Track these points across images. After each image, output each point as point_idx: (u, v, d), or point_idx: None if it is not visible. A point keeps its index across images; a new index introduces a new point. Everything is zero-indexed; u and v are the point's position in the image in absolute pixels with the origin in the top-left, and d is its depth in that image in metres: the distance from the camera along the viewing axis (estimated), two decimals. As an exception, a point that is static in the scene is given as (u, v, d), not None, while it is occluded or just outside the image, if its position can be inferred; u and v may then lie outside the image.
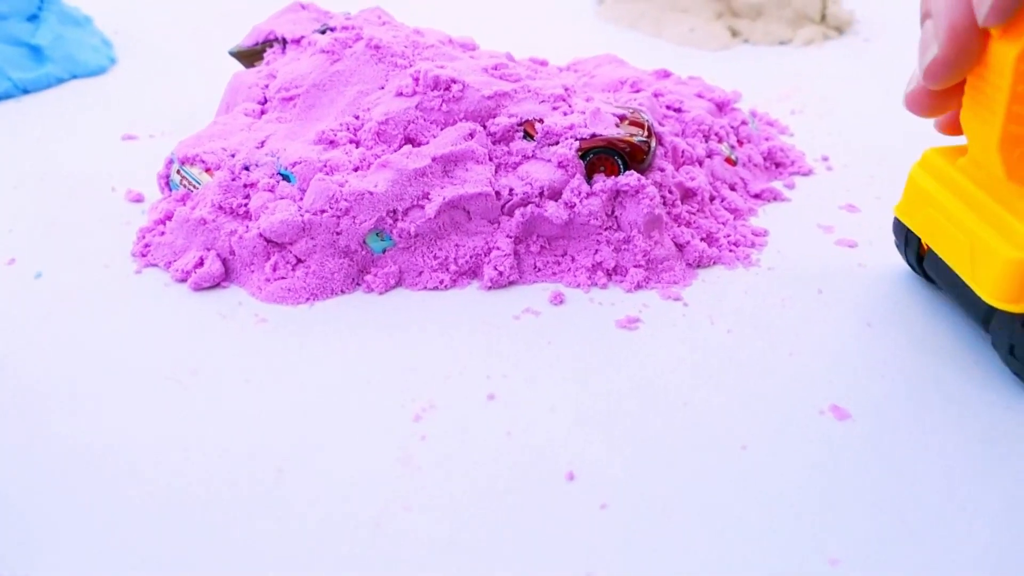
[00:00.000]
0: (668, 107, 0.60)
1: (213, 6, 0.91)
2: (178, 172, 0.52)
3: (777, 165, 0.63)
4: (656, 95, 0.61)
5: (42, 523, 0.35)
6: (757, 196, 0.59)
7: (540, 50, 0.77)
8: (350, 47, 0.55)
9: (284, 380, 0.42)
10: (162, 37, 0.82)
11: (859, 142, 0.67)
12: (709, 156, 0.58)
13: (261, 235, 0.47)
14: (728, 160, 0.59)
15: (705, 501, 0.37)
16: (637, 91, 0.61)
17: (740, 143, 0.62)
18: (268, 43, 0.60)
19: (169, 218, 0.50)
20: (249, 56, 0.61)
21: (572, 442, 0.39)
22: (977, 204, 0.42)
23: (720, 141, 0.59)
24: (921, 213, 0.46)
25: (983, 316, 0.44)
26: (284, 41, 0.59)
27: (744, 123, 0.63)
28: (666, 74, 0.66)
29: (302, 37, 0.58)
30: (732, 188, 0.59)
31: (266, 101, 0.55)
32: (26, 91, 0.69)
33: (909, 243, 0.49)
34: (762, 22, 0.88)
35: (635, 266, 0.50)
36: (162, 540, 0.34)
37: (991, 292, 0.41)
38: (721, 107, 0.63)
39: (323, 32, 0.58)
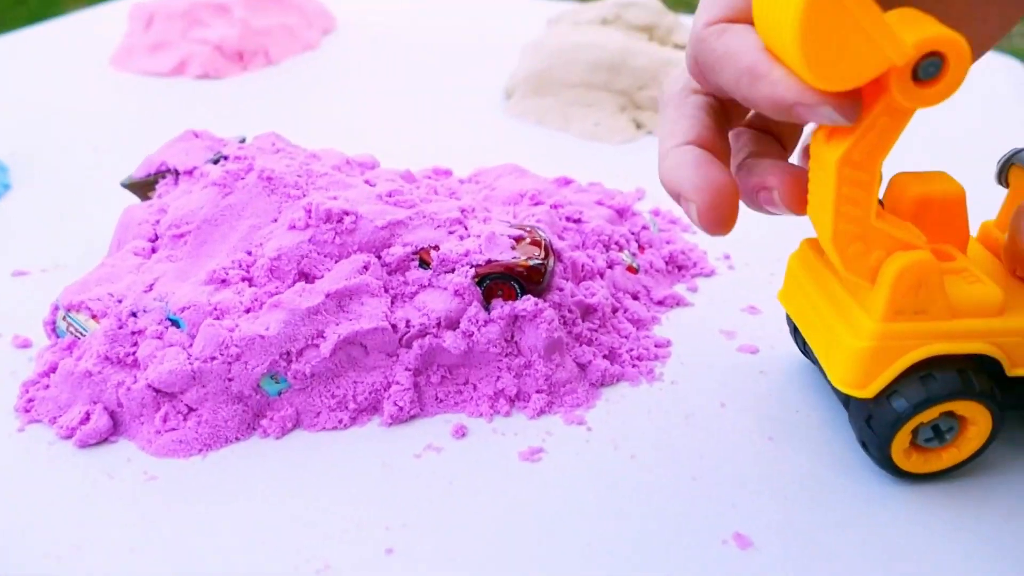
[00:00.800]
0: (568, 219, 0.60)
1: (113, 120, 0.89)
2: (64, 319, 0.50)
3: (679, 268, 0.63)
4: (555, 207, 0.61)
5: None
6: (660, 303, 0.59)
7: (447, 151, 0.77)
8: (242, 179, 0.54)
9: (172, 547, 0.40)
10: (61, 159, 0.80)
11: (759, 237, 0.67)
12: (610, 267, 0.58)
13: (150, 385, 0.46)
14: (630, 268, 0.59)
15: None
16: (537, 204, 0.61)
17: (641, 249, 0.62)
18: (160, 174, 0.59)
19: (54, 370, 0.49)
20: (142, 187, 0.60)
21: (472, 598, 0.38)
22: (832, 293, 0.44)
23: (620, 250, 0.60)
24: (796, 300, 0.47)
25: (843, 399, 0.46)
26: (176, 172, 0.58)
27: (645, 227, 0.64)
28: (567, 182, 0.66)
29: (194, 168, 0.57)
30: (635, 297, 0.59)
31: (157, 238, 0.54)
32: (-88, 225, 0.67)
33: (796, 329, 0.49)
34: (664, 114, 0.89)
35: (537, 391, 0.50)
36: None
37: (838, 378, 0.42)
38: (622, 213, 0.64)
39: (216, 161, 0.57)
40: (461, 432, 0.47)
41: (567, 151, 0.83)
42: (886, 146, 0.35)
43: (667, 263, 0.63)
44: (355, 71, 1.04)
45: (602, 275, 0.58)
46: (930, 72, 0.32)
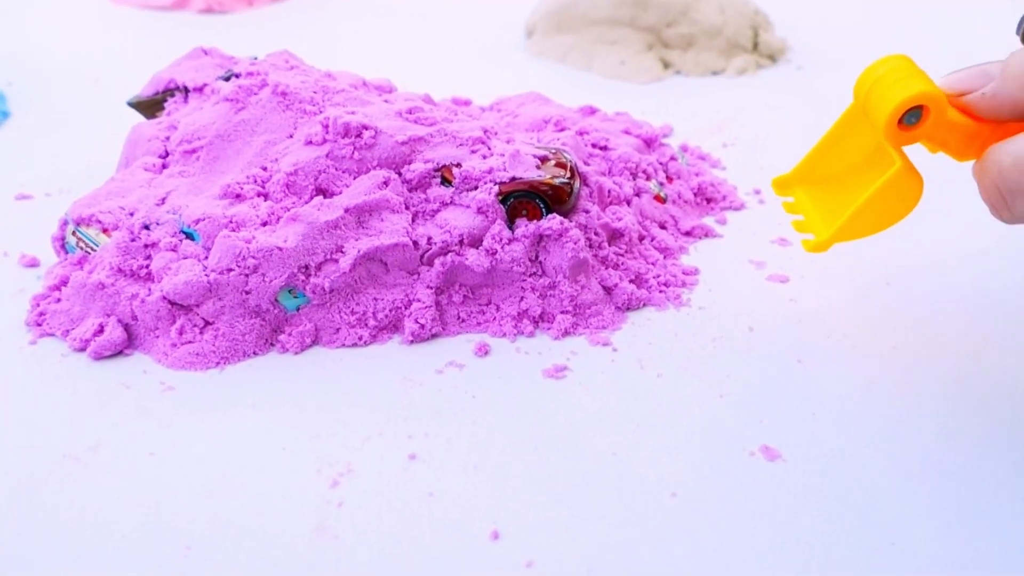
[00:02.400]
0: (594, 145, 0.61)
1: (113, 54, 0.91)
2: (74, 234, 0.52)
3: (708, 201, 0.65)
4: (581, 133, 0.62)
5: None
6: (688, 234, 0.61)
7: (465, 89, 0.78)
8: (255, 94, 0.56)
9: (192, 452, 0.43)
10: (59, 88, 0.83)
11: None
12: (637, 194, 0.59)
13: (165, 298, 0.48)
14: (657, 198, 0.61)
15: (634, 552, 0.38)
16: (561, 130, 0.63)
17: (669, 179, 0.64)
18: (169, 92, 0.61)
19: (65, 283, 0.51)
20: (149, 106, 0.61)
21: (496, 500, 0.40)
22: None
23: (648, 178, 0.61)
24: None
25: None
26: (186, 90, 0.60)
27: (673, 159, 0.65)
28: (592, 111, 0.68)
29: (204, 85, 0.59)
30: (662, 226, 0.61)
31: (167, 154, 0.56)
32: (-91, 150, 0.69)
33: None
34: (693, 52, 0.91)
35: (562, 312, 0.51)
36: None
37: None
38: (649, 143, 0.66)
39: (227, 79, 0.59)
40: (484, 350, 0.49)
41: (591, 90, 0.84)
42: None
43: (696, 195, 0.65)
44: (366, 9, 1.06)
45: (629, 203, 0.59)
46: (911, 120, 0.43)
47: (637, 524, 0.39)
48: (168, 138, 0.57)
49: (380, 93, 0.62)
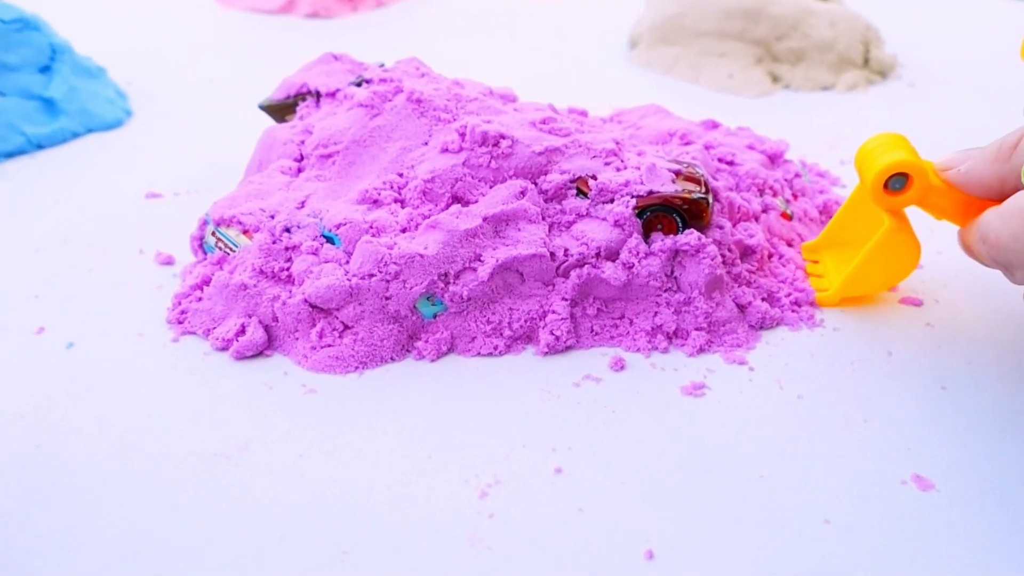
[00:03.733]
0: (720, 160, 0.61)
1: (224, 56, 0.93)
2: (213, 234, 0.53)
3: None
4: (707, 147, 0.62)
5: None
6: (814, 252, 0.60)
7: (574, 100, 0.78)
8: (390, 100, 0.56)
9: (341, 455, 0.43)
10: (177, 89, 0.84)
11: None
12: (764, 211, 0.59)
13: (306, 301, 0.48)
14: (784, 215, 0.60)
15: (795, 581, 0.37)
16: (687, 144, 0.63)
17: (795, 196, 0.63)
18: (300, 96, 0.61)
19: (206, 283, 0.52)
20: (280, 110, 0.62)
21: (648, 518, 0.40)
22: None
23: (775, 195, 0.60)
24: None
25: None
26: (317, 94, 0.61)
27: (797, 175, 0.65)
28: (714, 125, 0.68)
29: (337, 90, 0.60)
30: (789, 244, 0.60)
31: (302, 158, 0.57)
32: (40, 146, 0.71)
33: None
34: (803, 67, 0.90)
35: (696, 329, 0.51)
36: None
37: None
38: (773, 159, 0.65)
39: (358, 84, 0.59)
40: (619, 365, 0.49)
41: (698, 103, 0.84)
42: None
43: (820, 212, 0.64)
44: (469, 17, 1.06)
45: (757, 219, 0.59)
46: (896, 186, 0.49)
47: (794, 551, 0.38)
48: (303, 142, 0.57)
49: (505, 102, 0.62)
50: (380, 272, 0.48)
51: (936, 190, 0.49)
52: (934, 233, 0.62)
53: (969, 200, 0.49)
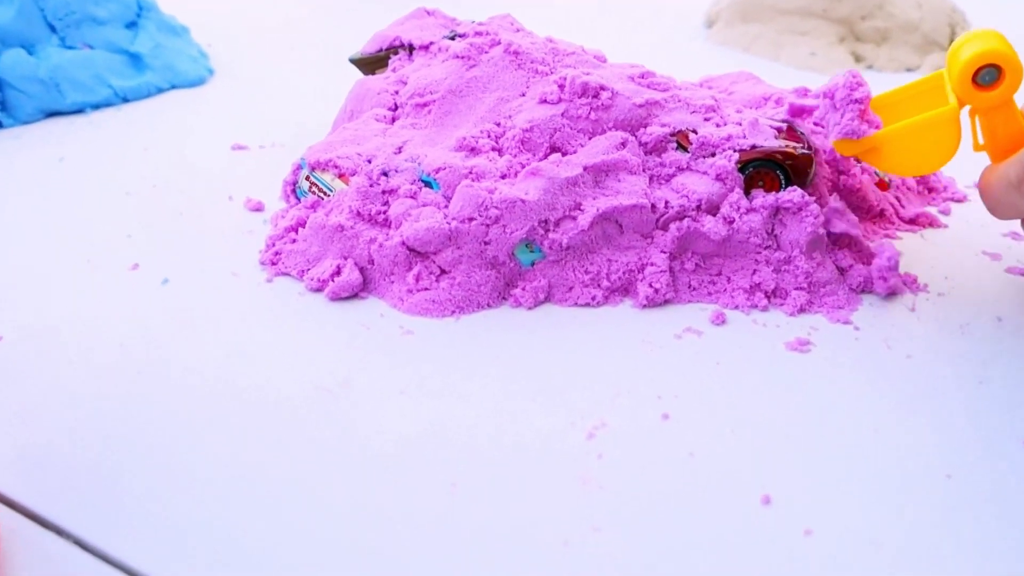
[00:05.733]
0: (816, 124, 0.59)
1: (311, 21, 0.92)
2: (307, 178, 0.52)
3: (930, 190, 0.62)
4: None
5: (202, 542, 0.34)
6: (912, 222, 0.58)
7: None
8: (487, 52, 0.56)
9: (443, 394, 0.42)
10: (257, 50, 0.84)
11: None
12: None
13: (404, 243, 0.47)
14: (880, 182, 0.59)
15: (916, 529, 0.35)
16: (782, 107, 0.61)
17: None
18: (392, 50, 0.61)
19: (301, 225, 0.51)
20: (371, 63, 0.61)
21: (762, 465, 0.38)
22: None
23: (873, 161, 0.58)
24: None
25: None
26: (411, 47, 0.60)
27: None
28: (806, 92, 0.65)
29: (431, 43, 0.59)
30: (881, 214, 0.58)
31: (396, 108, 0.56)
32: (126, 99, 0.71)
33: None
34: (887, 47, 0.88)
35: (797, 288, 0.49)
36: (340, 564, 0.34)
37: None
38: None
39: (452, 38, 0.58)
40: (720, 319, 0.48)
41: (779, 81, 0.81)
42: None
43: (917, 183, 0.62)
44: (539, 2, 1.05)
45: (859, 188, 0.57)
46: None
47: (916, 502, 0.37)
48: (397, 92, 0.57)
49: (599, 62, 0.61)
50: (480, 216, 0.47)
51: (1009, 111, 0.46)
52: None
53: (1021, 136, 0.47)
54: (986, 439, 0.40)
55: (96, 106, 0.69)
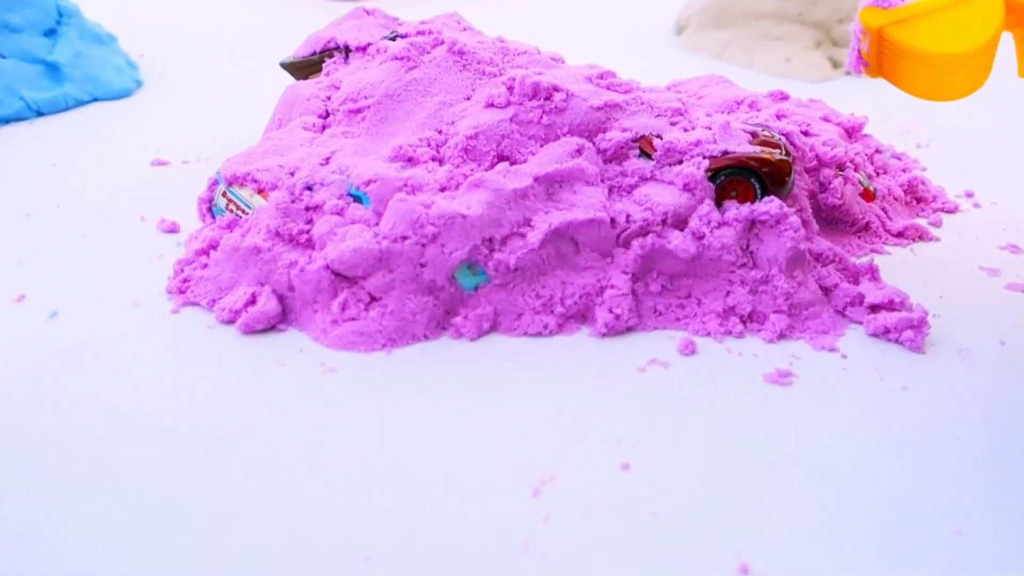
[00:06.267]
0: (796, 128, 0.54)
1: (244, 28, 0.86)
2: (224, 195, 0.46)
3: (919, 200, 0.57)
4: (779, 116, 0.55)
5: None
6: (900, 235, 0.53)
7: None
8: (428, 52, 0.50)
9: (363, 444, 0.36)
10: (191, 60, 0.78)
11: (1006, 176, 0.61)
12: (845, 183, 0.52)
13: (328, 267, 0.42)
14: (866, 192, 0.53)
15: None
16: (756, 111, 0.55)
17: (877, 173, 0.56)
18: (327, 52, 0.55)
19: (213, 248, 0.45)
20: (304, 68, 0.56)
21: (739, 525, 0.33)
22: None
23: (856, 169, 0.53)
24: None
25: None
26: (347, 49, 0.54)
27: (879, 151, 0.58)
28: (784, 96, 0.61)
29: (368, 44, 0.53)
30: (867, 227, 0.52)
31: (328, 115, 0.50)
32: (40, 113, 0.64)
33: None
34: (867, 51, 0.83)
35: (776, 311, 0.44)
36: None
37: None
38: (850, 133, 0.58)
39: (392, 39, 0.53)
40: (690, 348, 0.42)
41: (754, 89, 0.77)
42: None
43: (905, 192, 0.56)
44: (506, 4, 1.00)
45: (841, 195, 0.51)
46: None
47: (923, 567, 0.31)
48: (329, 98, 0.51)
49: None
50: (415, 234, 0.41)
51: None
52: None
53: None
54: (998, 487, 0.35)
55: (6, 120, 0.63)
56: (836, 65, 0.83)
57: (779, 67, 0.82)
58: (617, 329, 0.43)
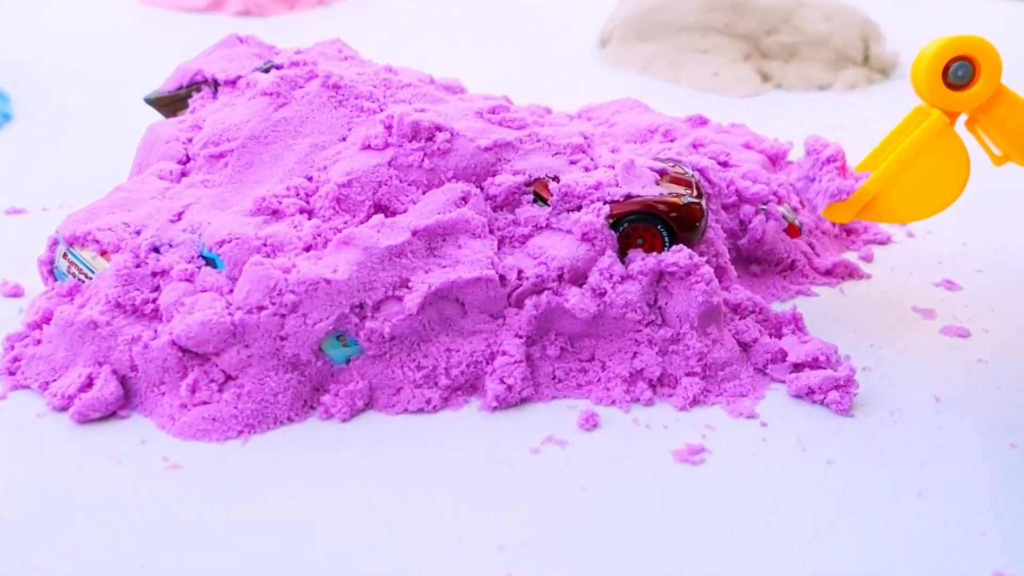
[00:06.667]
0: (713, 160, 0.50)
1: (137, 58, 0.81)
2: (65, 256, 0.41)
3: (848, 233, 0.54)
4: (695, 146, 0.52)
5: None
6: (828, 273, 0.50)
7: (544, 102, 0.67)
8: (301, 87, 0.46)
9: (205, 561, 0.30)
10: (72, 91, 0.72)
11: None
12: (767, 220, 0.48)
13: (175, 343, 0.37)
14: (791, 228, 0.49)
15: None
16: (671, 141, 0.52)
17: (803, 205, 0.52)
18: (195, 86, 0.51)
19: (48, 320, 0.39)
20: (171, 103, 0.52)
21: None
22: None
23: (780, 202, 0.50)
24: None
25: None
26: (216, 83, 0.50)
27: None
28: (703, 121, 0.57)
29: (238, 77, 0.49)
30: (792, 266, 0.49)
31: (189, 160, 0.46)
32: None
33: None
34: (796, 64, 0.81)
35: (688, 374, 0.40)
36: None
37: None
38: (775, 160, 0.55)
39: (266, 71, 0.48)
40: (591, 421, 0.38)
41: (680, 104, 0.72)
42: None
43: (833, 224, 0.53)
44: (420, 16, 0.96)
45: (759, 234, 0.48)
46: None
47: None
48: (191, 140, 0.47)
49: (451, 93, 0.51)
50: (273, 304, 0.37)
51: (1009, 100, 0.41)
52: (967, 248, 0.52)
53: None
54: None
55: None
56: (766, 78, 0.81)
57: (706, 81, 0.80)
58: (509, 401, 0.39)
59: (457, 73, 0.70)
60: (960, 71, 0.40)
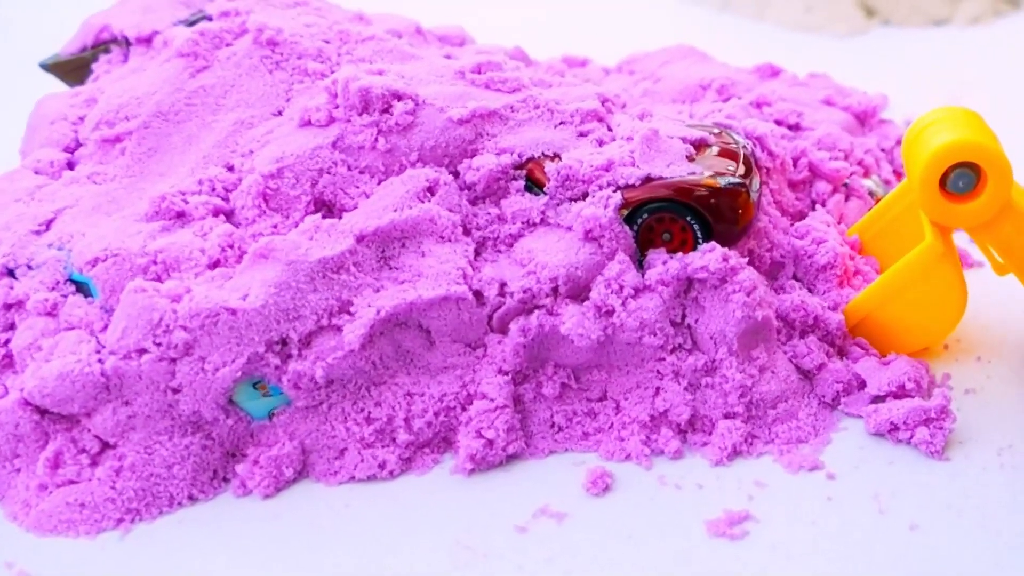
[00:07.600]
0: (778, 123, 0.47)
1: (24, 11, 0.76)
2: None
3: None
4: (758, 105, 0.48)
5: None
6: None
7: (592, 50, 0.64)
8: (228, 45, 0.41)
9: None
10: None
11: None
12: (847, 199, 0.45)
13: (27, 401, 0.33)
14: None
15: None
16: (727, 99, 0.49)
17: (897, 176, 0.50)
18: (103, 46, 0.46)
19: None
20: (73, 69, 0.47)
21: None
22: None
23: (866, 174, 0.47)
24: None
25: None
26: (126, 42, 0.45)
27: (899, 143, 0.52)
28: (774, 72, 0.54)
29: (154, 33, 0.44)
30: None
31: (79, 146, 0.42)
32: None
33: None
34: (908, -5, 0.80)
35: (727, 415, 0.36)
36: None
37: None
38: (863, 119, 0.51)
39: (192, 24, 0.44)
40: (601, 484, 0.33)
41: (765, 47, 0.68)
42: None
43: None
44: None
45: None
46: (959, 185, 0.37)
47: None
48: (83, 119, 0.42)
49: (442, 46, 0.47)
50: (158, 345, 0.33)
51: (1019, 217, 0.37)
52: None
53: None
54: None
55: None
56: (870, 12, 0.79)
57: (798, 18, 0.77)
58: (491, 461, 0.34)
59: (500, 20, 0.67)
60: (961, 181, 0.36)
